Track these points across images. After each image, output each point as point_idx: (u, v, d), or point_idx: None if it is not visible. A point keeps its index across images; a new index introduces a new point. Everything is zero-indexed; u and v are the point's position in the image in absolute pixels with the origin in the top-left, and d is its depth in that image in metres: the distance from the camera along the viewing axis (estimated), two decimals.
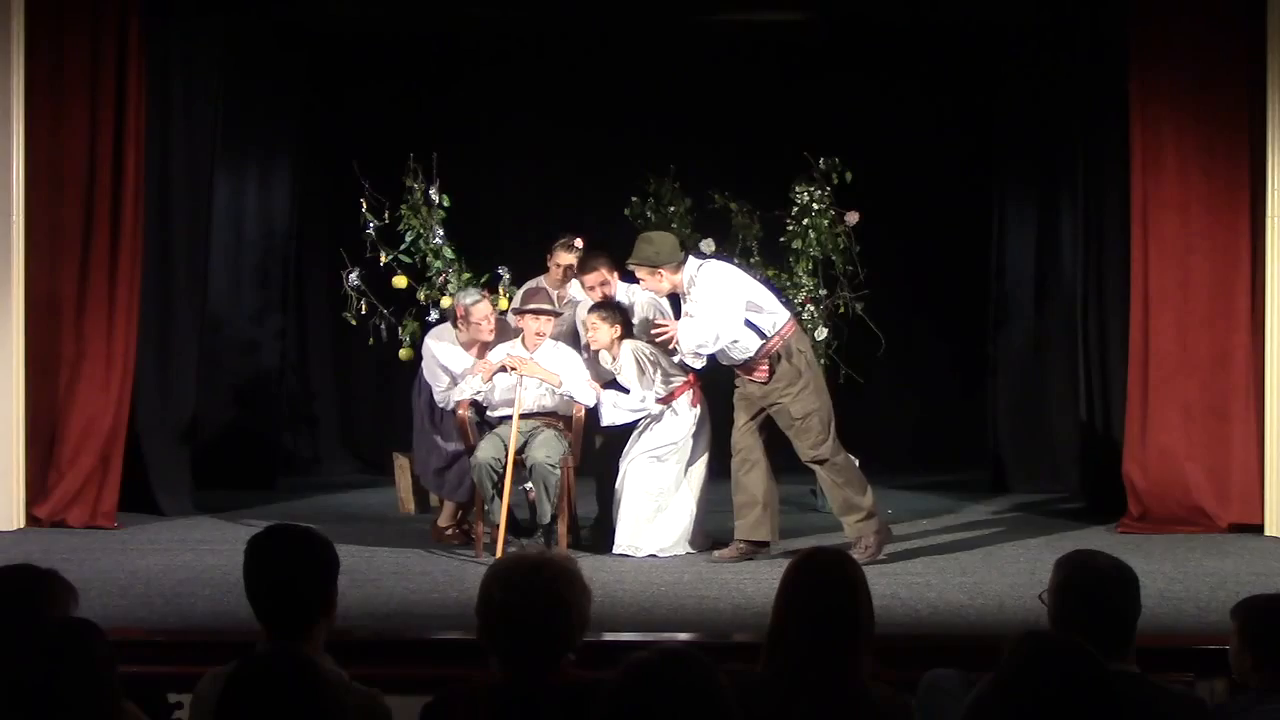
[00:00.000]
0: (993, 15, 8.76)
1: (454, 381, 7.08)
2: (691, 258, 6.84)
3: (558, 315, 7.09)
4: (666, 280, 6.72)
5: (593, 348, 6.95)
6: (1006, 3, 8.62)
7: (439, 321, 7.77)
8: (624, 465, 6.92)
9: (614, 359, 6.89)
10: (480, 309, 7.06)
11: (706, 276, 6.70)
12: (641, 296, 7.01)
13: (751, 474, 6.76)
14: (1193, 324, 7.60)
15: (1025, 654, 2.65)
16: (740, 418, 6.81)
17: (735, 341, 6.66)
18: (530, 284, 7.56)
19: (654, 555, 6.80)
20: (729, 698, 2.51)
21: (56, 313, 7.59)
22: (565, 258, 7.32)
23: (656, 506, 6.86)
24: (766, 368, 6.68)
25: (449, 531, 7.19)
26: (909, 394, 9.86)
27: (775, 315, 6.72)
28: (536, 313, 6.95)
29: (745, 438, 6.79)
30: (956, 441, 9.89)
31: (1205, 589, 6.04)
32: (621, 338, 6.86)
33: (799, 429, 6.64)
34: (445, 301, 7.97)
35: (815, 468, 6.72)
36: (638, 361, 6.82)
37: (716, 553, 6.78)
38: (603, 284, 6.93)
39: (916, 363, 9.81)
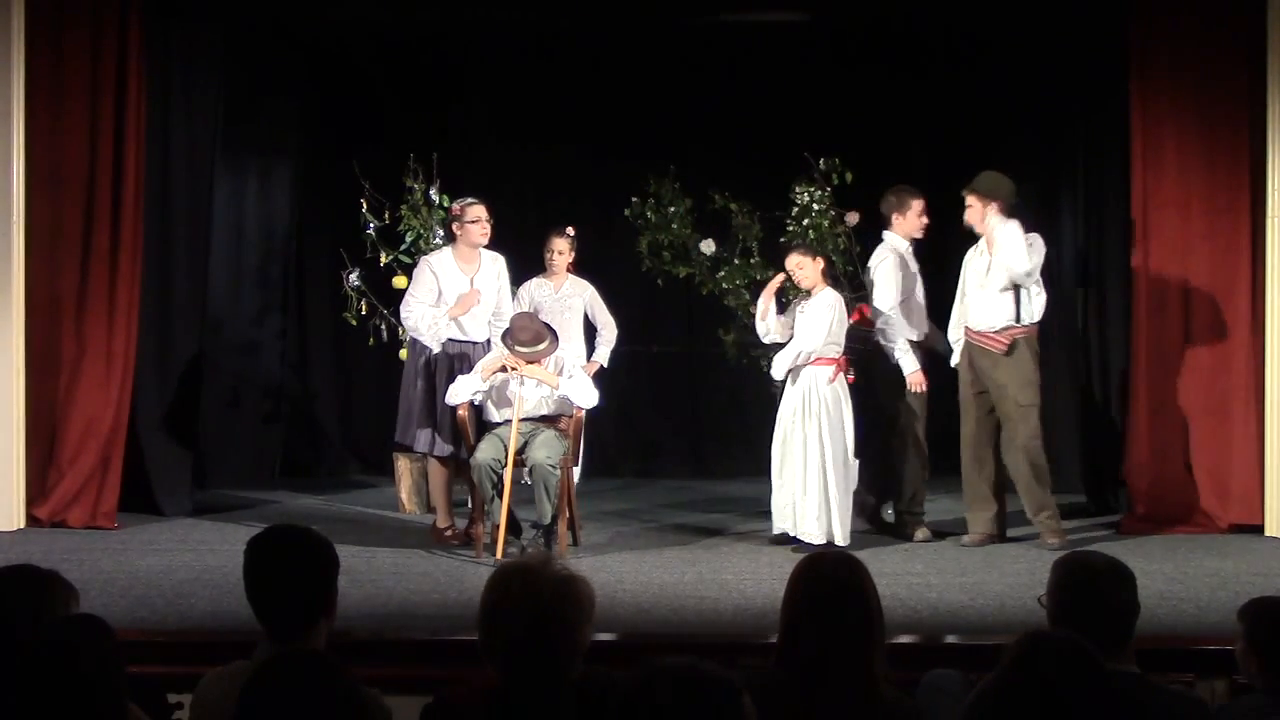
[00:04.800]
0: (993, 15, 8.75)
1: (441, 295, 7.09)
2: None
3: (550, 352, 6.95)
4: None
5: (801, 286, 7.17)
6: (1007, 2, 8.62)
7: None
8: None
9: (810, 295, 7.08)
10: (475, 210, 7.11)
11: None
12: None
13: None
14: (1193, 324, 7.60)
15: (1025, 653, 2.64)
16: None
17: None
18: (530, 286, 7.62)
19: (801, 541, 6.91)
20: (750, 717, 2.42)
21: (56, 312, 7.59)
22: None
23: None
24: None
25: (448, 532, 7.18)
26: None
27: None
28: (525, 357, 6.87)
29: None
30: (956, 442, 9.87)
31: (1205, 589, 6.04)
32: (824, 276, 7.11)
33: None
34: None
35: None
36: (836, 310, 7.01)
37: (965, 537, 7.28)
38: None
39: None
